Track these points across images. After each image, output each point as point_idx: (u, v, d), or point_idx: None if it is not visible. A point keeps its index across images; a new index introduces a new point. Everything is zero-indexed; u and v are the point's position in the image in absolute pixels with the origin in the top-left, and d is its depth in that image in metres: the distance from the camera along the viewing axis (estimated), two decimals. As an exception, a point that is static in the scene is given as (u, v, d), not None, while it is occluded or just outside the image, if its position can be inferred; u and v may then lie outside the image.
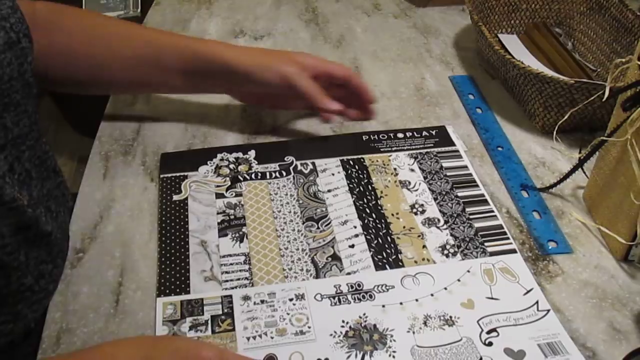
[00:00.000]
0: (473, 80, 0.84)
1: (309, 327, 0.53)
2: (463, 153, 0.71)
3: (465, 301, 0.56)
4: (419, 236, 0.62)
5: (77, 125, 1.91)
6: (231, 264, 0.58)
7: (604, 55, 0.84)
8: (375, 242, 0.61)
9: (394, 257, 0.60)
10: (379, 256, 0.59)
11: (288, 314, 0.54)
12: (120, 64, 0.68)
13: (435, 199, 0.66)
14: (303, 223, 0.62)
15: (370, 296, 0.56)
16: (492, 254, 0.60)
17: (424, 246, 0.61)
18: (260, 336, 0.52)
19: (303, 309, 0.55)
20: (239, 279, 0.57)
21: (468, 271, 0.59)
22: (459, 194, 0.66)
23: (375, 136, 0.73)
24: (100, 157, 0.70)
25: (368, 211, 0.64)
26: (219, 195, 0.65)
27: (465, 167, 0.70)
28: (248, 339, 0.52)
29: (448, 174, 0.69)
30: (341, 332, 0.53)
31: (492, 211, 0.65)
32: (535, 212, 0.65)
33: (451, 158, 0.71)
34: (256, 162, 0.69)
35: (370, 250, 0.60)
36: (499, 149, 0.73)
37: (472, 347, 0.52)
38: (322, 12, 0.99)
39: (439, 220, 0.63)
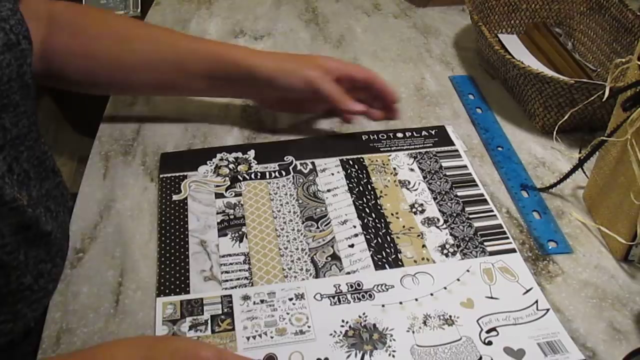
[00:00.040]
0: (473, 80, 0.84)
1: (309, 327, 0.53)
2: (462, 153, 0.72)
3: (464, 300, 0.56)
4: (418, 236, 0.62)
5: (77, 125, 1.91)
6: (231, 264, 0.58)
7: (604, 55, 0.84)
8: (375, 241, 0.61)
9: (393, 256, 0.60)
10: (378, 256, 0.59)
11: (288, 313, 0.54)
12: (144, 67, 0.68)
13: (434, 199, 0.66)
14: (302, 223, 0.63)
15: (370, 296, 0.56)
16: (492, 253, 0.60)
17: (424, 246, 0.61)
18: (260, 336, 0.52)
19: (303, 309, 0.55)
20: (238, 279, 0.57)
21: (468, 271, 0.59)
22: (459, 194, 0.66)
23: (375, 136, 0.73)
24: (100, 157, 0.70)
25: (367, 211, 0.64)
26: (219, 195, 0.65)
27: (465, 166, 0.70)
28: (248, 338, 0.52)
29: (447, 173, 0.69)
30: (341, 332, 0.53)
31: (492, 211, 0.65)
32: (535, 212, 0.65)
33: (451, 158, 0.71)
34: (256, 162, 0.69)
35: (369, 250, 0.60)
36: (499, 149, 0.73)
37: (471, 347, 0.52)
38: (322, 12, 0.99)
39: (438, 219, 0.63)
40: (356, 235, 0.62)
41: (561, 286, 0.58)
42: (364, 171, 0.69)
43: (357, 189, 0.66)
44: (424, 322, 0.54)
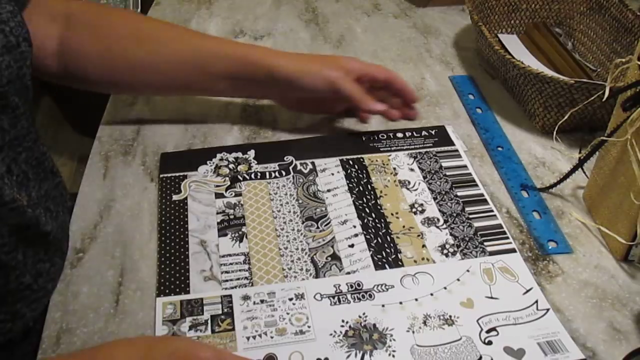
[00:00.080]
0: (473, 80, 0.84)
1: (309, 327, 0.53)
2: (462, 153, 0.72)
3: (464, 300, 0.56)
4: (418, 236, 0.62)
5: (77, 125, 1.91)
6: (231, 264, 0.58)
7: (604, 55, 0.84)
8: (375, 241, 0.61)
9: (393, 256, 0.60)
10: (378, 256, 0.59)
11: (288, 313, 0.54)
12: (165, 67, 0.68)
13: (434, 199, 0.66)
14: (302, 223, 0.63)
15: (370, 296, 0.56)
16: (492, 253, 0.60)
17: (424, 246, 0.61)
18: (260, 336, 0.52)
19: (303, 309, 0.55)
20: (238, 279, 0.57)
21: (467, 270, 0.59)
22: (459, 194, 0.66)
23: (375, 136, 0.73)
24: (100, 157, 0.70)
25: (367, 211, 0.64)
26: (219, 195, 0.65)
27: (465, 166, 0.70)
28: (248, 338, 0.52)
29: (447, 173, 0.69)
30: (341, 332, 0.53)
31: (492, 211, 0.65)
32: (535, 212, 0.65)
33: (450, 158, 0.71)
34: (256, 162, 0.69)
35: (369, 250, 0.60)
36: (499, 149, 0.73)
37: (471, 346, 0.52)
38: (322, 12, 0.99)
39: (438, 219, 0.63)
40: (356, 235, 0.61)
41: (561, 286, 0.58)
42: (364, 171, 0.69)
43: (357, 189, 0.66)
44: (424, 322, 0.54)
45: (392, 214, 0.64)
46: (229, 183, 0.66)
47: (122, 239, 0.61)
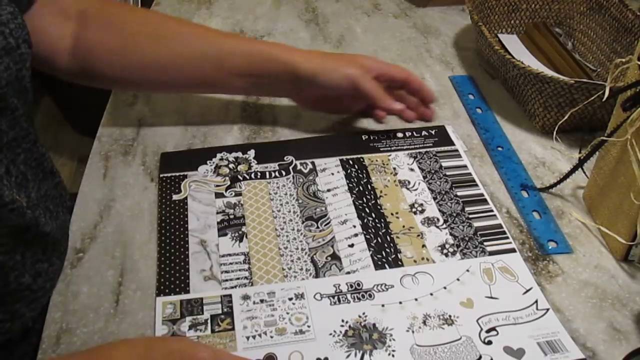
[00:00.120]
0: (473, 80, 0.84)
1: (309, 327, 0.53)
2: (462, 152, 0.72)
3: (464, 300, 0.56)
4: (418, 235, 0.62)
5: (77, 125, 1.91)
6: (231, 264, 0.58)
7: (604, 55, 0.84)
8: (375, 241, 0.61)
9: (393, 256, 0.60)
10: (378, 255, 0.59)
11: (287, 313, 0.54)
12: (182, 65, 0.67)
13: (434, 199, 0.66)
14: (302, 222, 0.63)
15: (370, 295, 0.56)
16: (492, 253, 0.60)
17: (424, 245, 0.61)
18: (259, 335, 0.52)
19: (302, 309, 0.55)
20: (238, 279, 0.57)
21: (467, 270, 0.59)
22: (458, 194, 0.66)
23: (375, 136, 0.73)
24: (100, 157, 0.70)
25: (367, 211, 0.64)
26: (219, 195, 0.65)
27: (465, 166, 0.70)
28: (247, 338, 0.52)
29: (447, 173, 0.69)
30: (341, 332, 0.53)
31: (491, 210, 0.65)
32: (535, 212, 0.65)
33: (450, 157, 0.71)
34: (256, 162, 0.69)
35: (369, 250, 0.60)
36: (499, 149, 0.73)
37: (471, 346, 0.52)
38: (322, 12, 0.99)
39: (438, 219, 0.63)
40: (356, 235, 0.61)
41: (561, 286, 0.58)
42: (364, 171, 0.69)
43: (357, 189, 0.66)
44: (424, 322, 0.54)
45: (392, 214, 0.64)
46: (229, 183, 0.66)
47: (122, 239, 0.61)
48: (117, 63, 0.66)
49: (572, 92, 0.69)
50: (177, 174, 0.67)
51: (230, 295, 0.55)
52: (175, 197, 0.64)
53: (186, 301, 0.55)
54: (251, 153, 0.70)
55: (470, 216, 0.64)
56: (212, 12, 0.97)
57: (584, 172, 0.68)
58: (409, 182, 0.68)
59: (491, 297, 0.56)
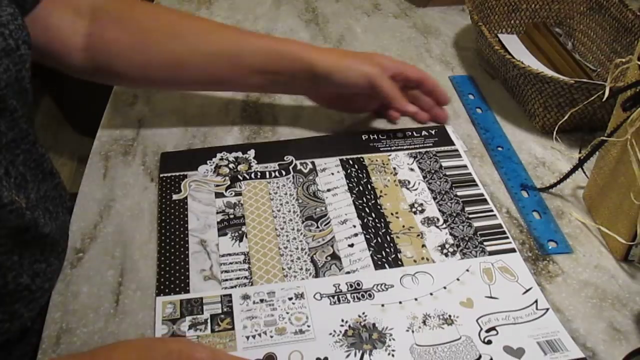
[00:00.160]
0: (473, 80, 0.84)
1: (309, 326, 0.53)
2: (462, 152, 0.72)
3: (464, 300, 0.56)
4: (418, 235, 0.62)
5: (77, 125, 1.91)
6: (231, 263, 0.58)
7: (604, 55, 0.84)
8: (375, 241, 0.61)
9: (393, 256, 0.60)
10: (378, 255, 0.59)
11: (287, 313, 0.54)
12: (199, 61, 0.67)
13: (434, 199, 0.66)
14: (302, 222, 0.63)
15: (370, 295, 0.56)
16: (491, 253, 0.60)
17: (423, 245, 0.61)
18: (259, 335, 0.52)
19: (302, 308, 0.55)
20: (238, 278, 0.57)
21: (467, 270, 0.59)
22: (458, 193, 0.66)
23: (375, 136, 0.73)
24: (100, 157, 0.70)
25: (367, 210, 0.64)
26: (219, 195, 0.65)
27: (465, 166, 0.70)
28: (247, 338, 0.52)
29: (447, 173, 0.69)
30: (340, 331, 0.53)
31: (491, 210, 0.65)
32: (535, 212, 0.65)
33: (450, 157, 0.71)
34: (256, 162, 0.69)
35: (369, 250, 0.60)
36: (499, 149, 0.73)
37: (471, 346, 0.52)
38: (322, 12, 0.99)
39: (438, 219, 0.63)
40: (356, 234, 0.62)
41: (561, 286, 0.58)
42: (364, 171, 0.69)
43: (357, 189, 0.66)
44: (424, 322, 0.54)
45: (392, 214, 0.64)
46: (229, 182, 0.66)
47: (122, 239, 0.61)
48: (133, 60, 0.65)
49: (572, 92, 0.69)
50: (177, 173, 0.67)
51: (230, 295, 0.55)
52: (175, 197, 0.65)
53: (186, 301, 0.55)
54: (251, 153, 0.70)
55: (470, 216, 0.64)
56: (212, 12, 0.97)
57: (584, 172, 0.68)
58: (409, 182, 0.68)
59: (491, 297, 0.56)
